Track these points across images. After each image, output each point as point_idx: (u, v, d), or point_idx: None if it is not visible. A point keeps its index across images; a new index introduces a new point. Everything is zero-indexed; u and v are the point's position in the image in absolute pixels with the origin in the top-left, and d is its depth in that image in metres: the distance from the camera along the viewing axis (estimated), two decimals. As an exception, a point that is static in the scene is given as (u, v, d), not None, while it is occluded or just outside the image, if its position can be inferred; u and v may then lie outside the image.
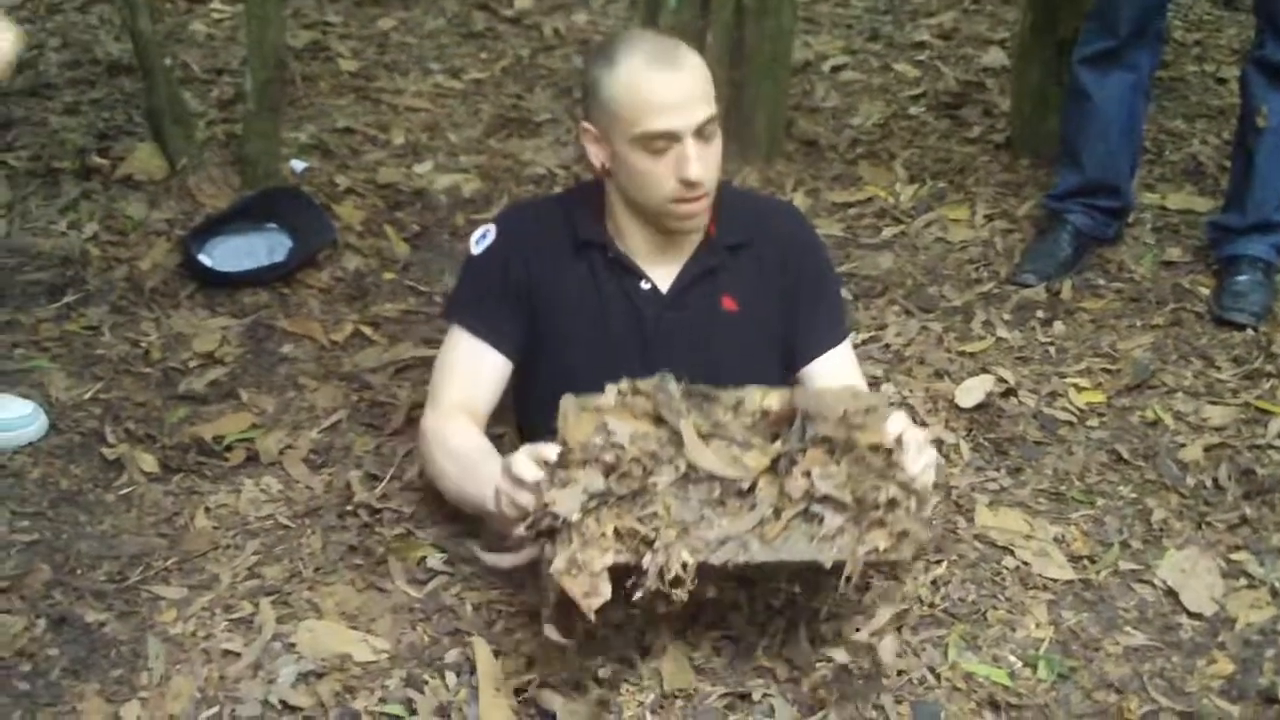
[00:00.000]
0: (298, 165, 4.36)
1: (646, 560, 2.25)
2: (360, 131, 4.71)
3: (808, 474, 2.33)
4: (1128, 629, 2.71)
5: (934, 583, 2.80)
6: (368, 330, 3.67)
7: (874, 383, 3.44)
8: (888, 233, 4.18)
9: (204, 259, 3.79)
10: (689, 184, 2.68)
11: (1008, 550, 2.90)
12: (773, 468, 2.37)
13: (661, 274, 2.88)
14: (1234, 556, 2.90)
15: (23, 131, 4.55)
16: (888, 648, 2.41)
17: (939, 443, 3.24)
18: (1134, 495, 3.10)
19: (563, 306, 2.88)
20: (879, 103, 5.00)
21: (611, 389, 2.46)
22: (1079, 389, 3.46)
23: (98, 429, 3.24)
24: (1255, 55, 3.74)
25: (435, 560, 2.81)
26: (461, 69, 5.28)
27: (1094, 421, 3.35)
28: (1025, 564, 2.87)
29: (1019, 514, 3.02)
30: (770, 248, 2.92)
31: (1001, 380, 3.45)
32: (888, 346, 3.61)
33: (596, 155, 2.81)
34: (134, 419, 3.28)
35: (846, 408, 2.42)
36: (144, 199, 4.12)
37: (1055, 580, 2.83)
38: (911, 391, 3.41)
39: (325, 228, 3.99)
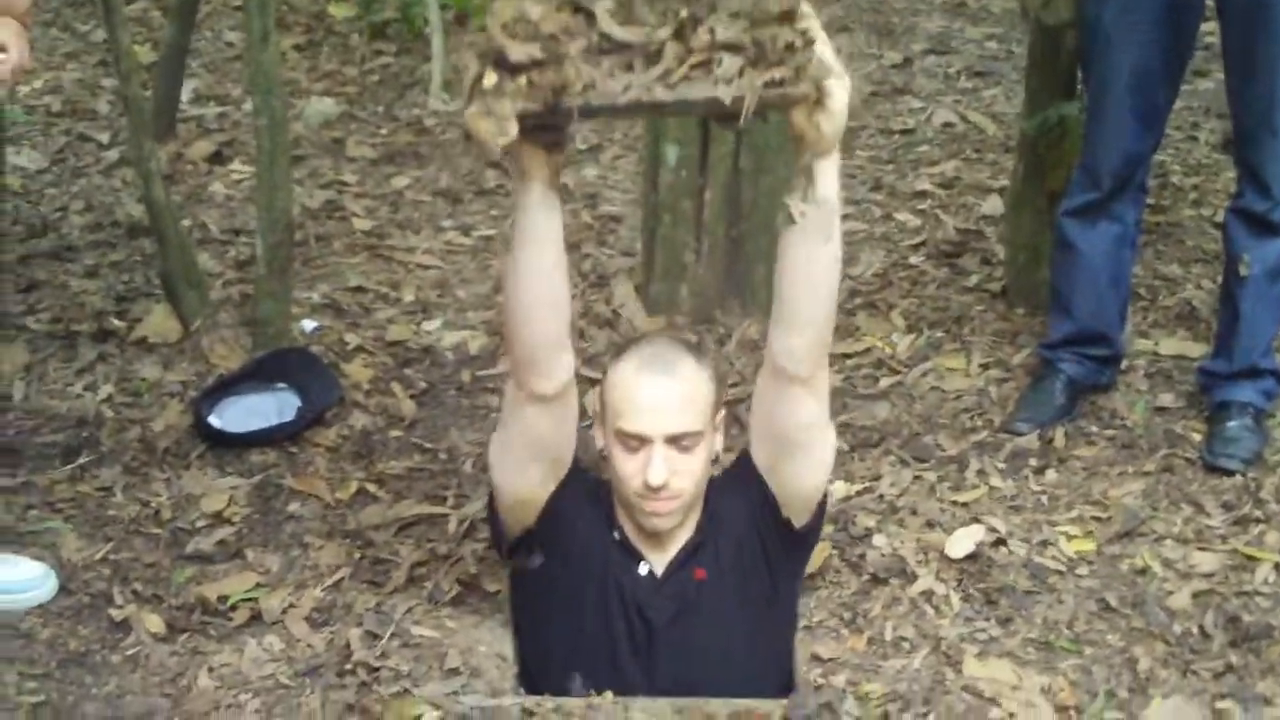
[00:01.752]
0: (308, 325, 4.46)
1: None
2: (371, 290, 4.82)
3: (711, 30, 2.42)
4: (1113, 779, 2.76)
5: (921, 735, 2.85)
6: (372, 488, 3.75)
7: (866, 534, 3.51)
8: (885, 383, 4.24)
9: (214, 420, 3.89)
10: (650, 487, 2.84)
11: (995, 702, 2.94)
12: (679, 32, 2.44)
13: (659, 558, 3.02)
14: (1220, 705, 2.94)
15: (44, 294, 4.67)
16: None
17: (930, 594, 3.30)
18: (1122, 644, 3.14)
19: (582, 564, 3.03)
20: (879, 252, 5.09)
21: None
22: (1069, 537, 3.50)
23: (106, 590, 3.32)
24: (1236, 205, 3.83)
25: (431, 717, 2.86)
26: (472, 225, 5.40)
27: (1083, 570, 3.40)
28: (1012, 715, 2.91)
29: (1007, 664, 3.06)
30: (730, 505, 3.05)
31: (993, 530, 3.51)
32: (881, 497, 3.67)
33: (599, 437, 3.01)
34: (142, 580, 3.36)
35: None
36: (158, 361, 4.23)
37: (1042, 731, 2.88)
38: (903, 543, 3.46)
39: (332, 386, 4.09)
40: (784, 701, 2.94)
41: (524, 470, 2.93)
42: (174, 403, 4.04)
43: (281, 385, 4.08)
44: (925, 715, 2.90)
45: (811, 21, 2.44)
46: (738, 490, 3.03)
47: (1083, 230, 3.96)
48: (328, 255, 5.08)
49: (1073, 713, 2.93)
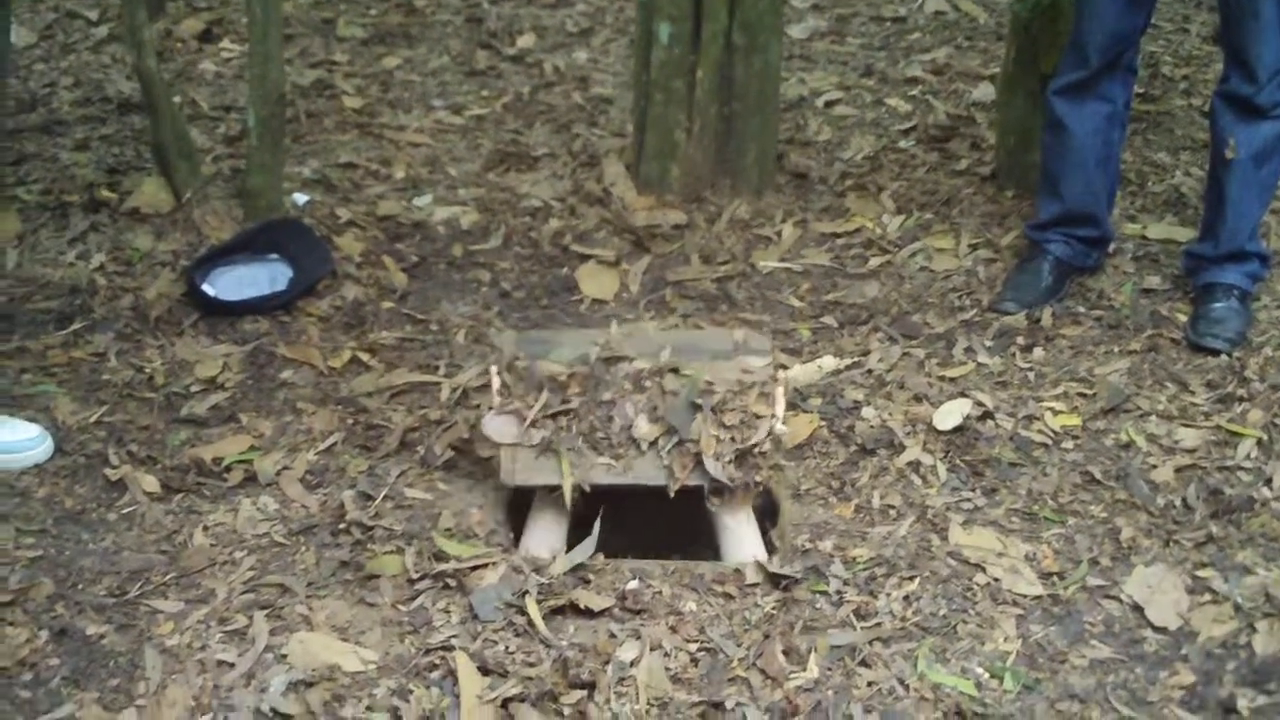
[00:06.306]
0: (300, 198, 4.46)
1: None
2: (362, 166, 4.82)
3: (698, 455, 3.04)
4: (1093, 642, 2.80)
5: (906, 598, 2.89)
6: (365, 357, 3.77)
7: (854, 407, 3.54)
8: (874, 262, 4.27)
9: (207, 288, 3.90)
10: None
11: (979, 567, 2.99)
12: (675, 445, 3.07)
13: None
14: (1199, 573, 2.98)
15: (35, 167, 4.67)
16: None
17: (917, 464, 3.34)
18: (1105, 515, 3.18)
19: None
20: (870, 136, 5.10)
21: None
22: (1055, 412, 3.54)
23: (102, 451, 3.35)
24: (1222, 89, 3.83)
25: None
26: (463, 105, 5.39)
27: (1069, 444, 3.43)
28: (996, 580, 2.96)
29: (992, 532, 3.11)
30: None
31: (979, 404, 3.54)
32: (870, 372, 3.70)
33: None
34: (137, 441, 3.39)
35: (740, 382, 3.12)
36: (150, 231, 4.23)
37: (1025, 596, 2.92)
38: (891, 415, 3.50)
39: (325, 258, 4.09)
40: (765, 563, 2.99)
41: None
42: (166, 272, 4.05)
43: (274, 256, 4.09)
44: (911, 579, 2.94)
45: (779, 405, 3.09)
46: None
47: (1072, 108, 3.96)
48: (318, 132, 5.07)
49: (1055, 579, 2.97)
